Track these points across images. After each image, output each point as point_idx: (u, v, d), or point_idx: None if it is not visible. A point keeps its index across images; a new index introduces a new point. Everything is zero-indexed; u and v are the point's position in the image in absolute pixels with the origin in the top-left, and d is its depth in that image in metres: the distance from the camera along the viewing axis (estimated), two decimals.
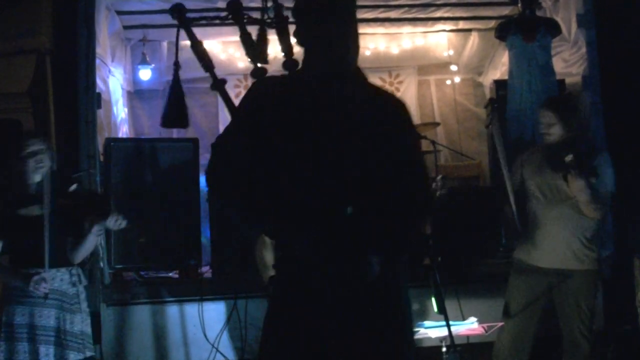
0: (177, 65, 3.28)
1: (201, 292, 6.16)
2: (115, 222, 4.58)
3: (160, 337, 6.16)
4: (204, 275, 6.62)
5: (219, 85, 3.12)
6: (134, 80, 8.94)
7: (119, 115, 8.14)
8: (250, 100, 2.88)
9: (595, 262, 4.83)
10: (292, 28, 3.01)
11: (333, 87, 2.83)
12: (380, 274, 2.70)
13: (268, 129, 2.74)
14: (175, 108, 3.27)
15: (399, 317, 2.83)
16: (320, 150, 2.73)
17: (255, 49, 3.27)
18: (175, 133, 8.84)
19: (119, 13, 7.83)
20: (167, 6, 7.33)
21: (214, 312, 6.17)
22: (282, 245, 2.85)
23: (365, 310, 2.72)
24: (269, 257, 4.93)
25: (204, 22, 3.33)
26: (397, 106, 2.97)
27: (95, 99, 6.30)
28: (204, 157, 7.19)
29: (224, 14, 3.30)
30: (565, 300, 4.81)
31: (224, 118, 8.98)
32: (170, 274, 6.66)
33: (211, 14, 3.40)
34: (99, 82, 6.70)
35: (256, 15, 3.34)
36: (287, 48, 3.18)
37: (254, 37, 3.28)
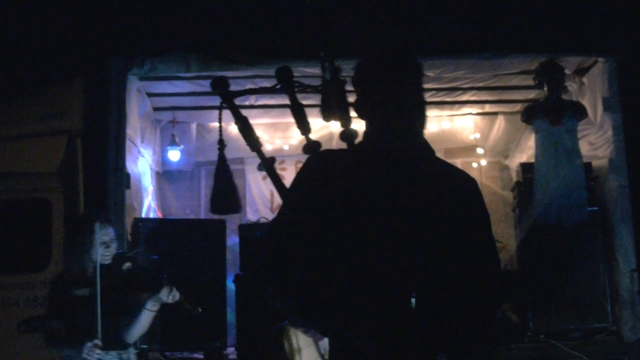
0: (221, 143, 3.05)
1: None
2: (169, 295, 4.47)
3: None
4: (229, 357, 6.56)
5: (268, 163, 2.90)
6: (162, 161, 9.00)
7: (147, 196, 8.20)
8: (306, 178, 2.57)
9: None
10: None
11: (399, 163, 2.55)
12: None
13: (328, 210, 2.43)
14: (224, 192, 3.07)
15: None
16: (384, 233, 2.43)
17: (307, 121, 2.96)
18: (202, 214, 8.87)
19: (150, 95, 7.94)
20: (196, 89, 7.56)
21: None
22: (339, 337, 2.48)
23: None
24: (289, 343, 4.89)
25: (249, 93, 3.09)
26: (468, 185, 2.65)
27: (124, 180, 6.36)
28: (231, 239, 7.21)
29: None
30: None
31: (251, 199, 9.00)
32: (195, 355, 6.60)
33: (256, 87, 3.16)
34: (128, 162, 6.78)
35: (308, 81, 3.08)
36: (344, 118, 2.88)
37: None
